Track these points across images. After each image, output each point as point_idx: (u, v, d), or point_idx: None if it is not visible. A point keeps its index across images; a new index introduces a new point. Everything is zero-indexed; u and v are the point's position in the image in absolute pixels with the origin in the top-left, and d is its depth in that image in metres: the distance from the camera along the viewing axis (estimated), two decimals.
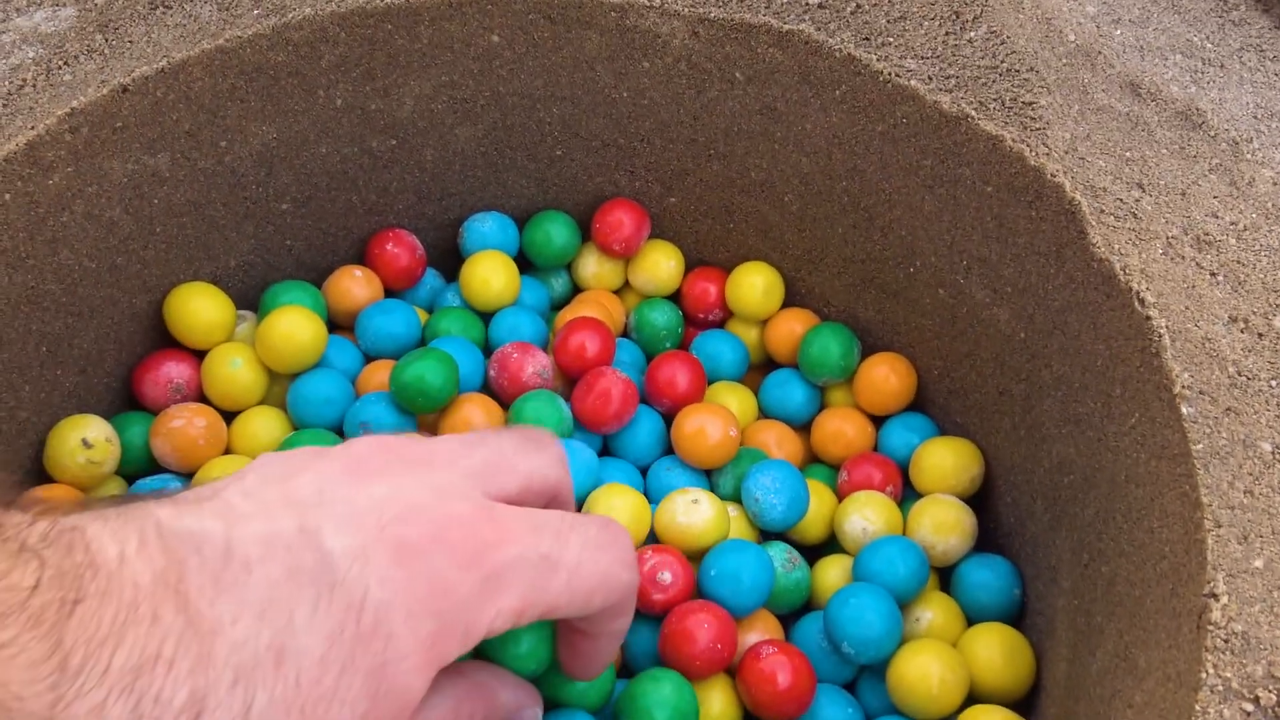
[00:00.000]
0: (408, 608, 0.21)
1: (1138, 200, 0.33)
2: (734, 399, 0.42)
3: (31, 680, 0.17)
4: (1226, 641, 0.23)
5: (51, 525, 0.18)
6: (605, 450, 0.40)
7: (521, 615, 0.22)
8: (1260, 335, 0.30)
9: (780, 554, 0.36)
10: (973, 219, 0.36)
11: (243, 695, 0.19)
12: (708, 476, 0.40)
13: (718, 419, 0.38)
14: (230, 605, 0.19)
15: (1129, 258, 0.32)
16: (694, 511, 0.35)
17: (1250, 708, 0.23)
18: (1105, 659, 0.29)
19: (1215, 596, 0.24)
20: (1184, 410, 0.28)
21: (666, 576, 0.34)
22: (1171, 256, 0.32)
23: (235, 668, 0.19)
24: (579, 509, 0.36)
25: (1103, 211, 0.33)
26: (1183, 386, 0.29)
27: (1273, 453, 0.27)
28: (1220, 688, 0.23)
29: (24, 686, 0.16)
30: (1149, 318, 0.30)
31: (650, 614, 0.34)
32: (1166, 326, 0.30)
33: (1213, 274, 0.32)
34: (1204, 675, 0.23)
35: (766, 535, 0.38)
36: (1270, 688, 0.23)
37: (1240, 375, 0.29)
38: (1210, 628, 0.24)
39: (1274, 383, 0.29)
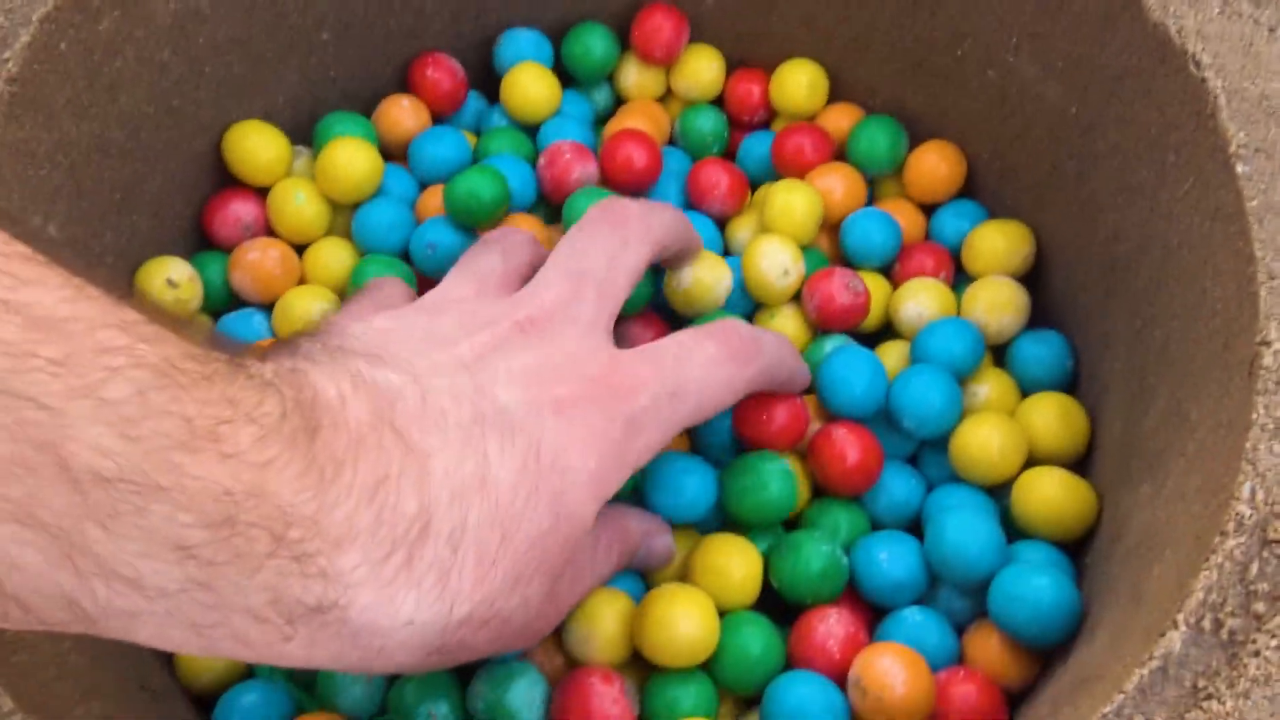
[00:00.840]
0: (574, 448, 0.24)
1: None
2: None
3: (298, 490, 0.19)
4: (1278, 384, 0.25)
5: (279, 365, 0.21)
6: None
7: (664, 444, 0.27)
8: None
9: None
10: None
11: (459, 510, 0.22)
12: None
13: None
14: (435, 439, 0.22)
15: (1184, 19, 0.31)
16: (784, 279, 0.37)
17: None
18: (1158, 416, 0.31)
19: (1267, 344, 0.25)
20: (1239, 169, 0.29)
21: (859, 285, 0.37)
22: (1228, 15, 0.31)
23: (450, 488, 0.22)
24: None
25: None
26: (1238, 146, 0.29)
27: None
28: (1271, 426, 0.24)
29: (293, 495, 0.19)
30: (1204, 79, 0.30)
31: (840, 323, 0.37)
32: (1223, 86, 0.30)
33: (1271, 30, 0.31)
34: (1255, 416, 0.24)
35: None
36: None
37: None
38: (1262, 372, 0.25)
39: None
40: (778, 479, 0.32)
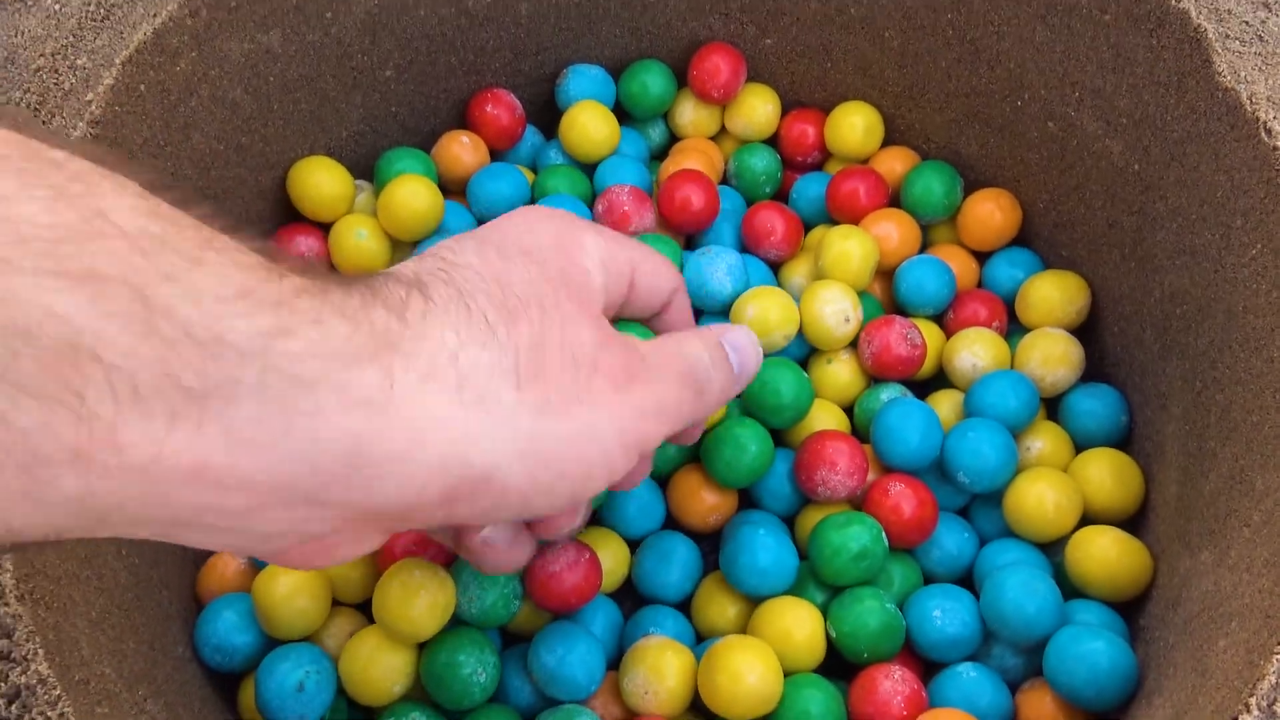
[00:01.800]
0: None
1: (1264, 22, 0.32)
2: None
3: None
4: None
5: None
6: None
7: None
8: None
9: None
10: (1087, 49, 0.36)
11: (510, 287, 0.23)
12: None
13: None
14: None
15: (1255, 85, 0.31)
16: (844, 326, 0.38)
17: None
18: (1219, 481, 0.31)
19: None
20: None
21: (917, 337, 0.38)
22: None
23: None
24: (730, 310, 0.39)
25: (1228, 37, 0.32)
26: None
27: None
28: None
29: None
30: (1276, 147, 0.30)
31: (895, 373, 0.38)
32: None
33: None
34: None
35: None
36: None
37: None
38: None
39: None
40: (857, 542, 0.33)
